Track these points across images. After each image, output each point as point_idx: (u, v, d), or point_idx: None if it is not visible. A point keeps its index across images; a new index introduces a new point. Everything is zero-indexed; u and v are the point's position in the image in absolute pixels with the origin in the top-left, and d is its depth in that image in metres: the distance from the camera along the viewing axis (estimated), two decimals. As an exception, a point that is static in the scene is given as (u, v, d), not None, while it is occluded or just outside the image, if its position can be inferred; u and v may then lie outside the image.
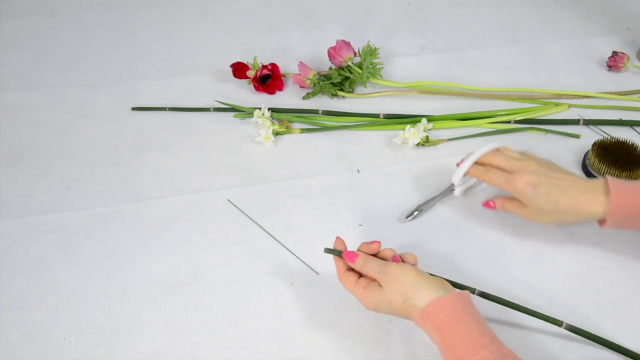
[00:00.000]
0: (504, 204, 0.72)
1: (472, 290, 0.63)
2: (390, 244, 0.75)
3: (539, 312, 0.63)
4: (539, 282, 0.71)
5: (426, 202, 0.80)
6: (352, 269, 0.63)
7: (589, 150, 0.84)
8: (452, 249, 0.75)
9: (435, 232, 0.77)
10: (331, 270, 0.72)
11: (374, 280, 0.61)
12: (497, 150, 0.72)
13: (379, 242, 0.64)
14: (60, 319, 0.68)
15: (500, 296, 0.65)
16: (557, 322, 0.63)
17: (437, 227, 0.78)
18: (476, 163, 0.72)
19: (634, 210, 0.63)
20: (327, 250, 0.65)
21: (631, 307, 0.68)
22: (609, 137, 0.85)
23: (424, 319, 0.56)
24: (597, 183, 0.66)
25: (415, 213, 0.78)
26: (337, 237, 0.65)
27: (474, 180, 0.79)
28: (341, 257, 0.64)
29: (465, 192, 0.80)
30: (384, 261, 0.61)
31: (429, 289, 0.57)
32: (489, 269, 0.72)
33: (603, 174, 0.81)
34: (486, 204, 0.73)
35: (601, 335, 0.64)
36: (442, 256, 0.74)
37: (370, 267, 0.61)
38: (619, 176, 0.80)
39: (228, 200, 0.66)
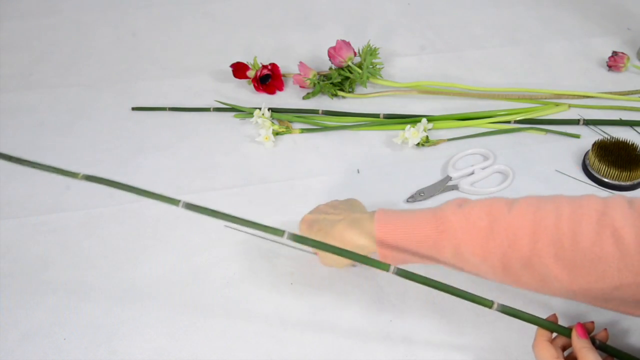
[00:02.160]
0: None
1: (490, 304, 0.55)
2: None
3: (468, 293, 0.55)
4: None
5: (427, 187, 0.82)
6: (551, 342, 0.54)
7: (589, 150, 0.84)
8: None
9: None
10: (331, 270, 0.72)
11: None
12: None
13: (593, 322, 0.57)
14: (60, 319, 0.68)
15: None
16: (487, 304, 0.54)
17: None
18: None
19: (400, 241, 0.57)
20: (540, 324, 0.54)
21: (634, 318, 0.68)
22: (609, 137, 0.85)
23: None
24: (368, 214, 0.62)
25: (416, 195, 0.81)
26: (554, 314, 0.57)
27: (471, 170, 0.83)
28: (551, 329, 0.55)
29: (464, 183, 0.82)
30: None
31: None
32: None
33: (603, 174, 0.81)
34: None
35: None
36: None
37: (593, 356, 0.51)
38: (618, 176, 0.80)
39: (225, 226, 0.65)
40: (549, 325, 0.54)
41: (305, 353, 0.65)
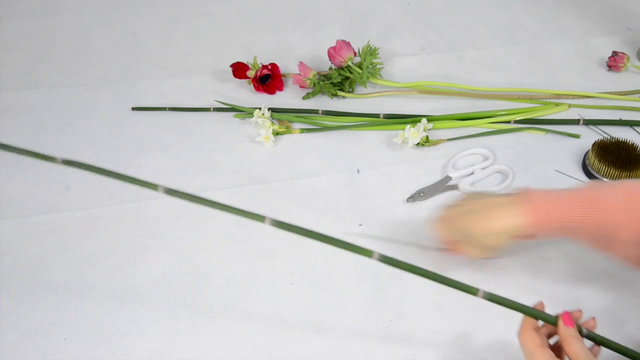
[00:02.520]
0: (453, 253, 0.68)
1: (475, 292, 0.55)
2: (389, 243, 0.76)
3: (453, 281, 0.53)
4: (538, 281, 0.71)
5: (427, 187, 0.82)
6: (537, 330, 0.53)
7: (589, 150, 0.84)
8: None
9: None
10: (331, 270, 0.72)
11: (560, 354, 0.52)
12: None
13: (581, 310, 0.55)
14: (60, 319, 0.68)
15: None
16: (472, 291, 0.52)
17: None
18: None
19: (564, 219, 0.57)
20: (526, 311, 0.53)
21: (631, 308, 0.68)
22: (609, 137, 0.85)
23: None
24: (513, 196, 0.61)
25: (416, 195, 0.81)
26: (541, 302, 0.56)
27: (471, 170, 0.83)
28: (537, 318, 0.54)
29: (464, 183, 0.82)
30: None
31: None
32: (488, 267, 0.72)
33: (603, 174, 0.81)
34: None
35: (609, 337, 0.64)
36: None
37: (578, 345, 0.50)
38: (619, 176, 0.80)
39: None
40: (535, 312, 0.53)
41: (305, 353, 0.65)
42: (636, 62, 1.05)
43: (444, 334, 0.66)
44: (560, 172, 0.85)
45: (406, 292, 0.70)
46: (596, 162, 0.81)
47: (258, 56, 1.00)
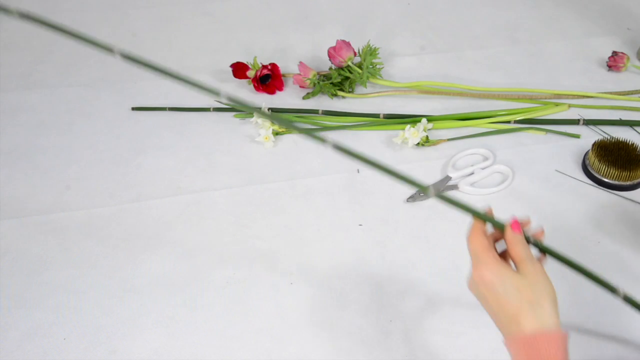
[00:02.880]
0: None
1: (426, 189, 0.55)
2: (390, 243, 0.76)
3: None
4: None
5: (427, 187, 0.81)
6: (485, 234, 0.54)
7: (589, 150, 0.84)
8: (450, 251, 0.75)
9: (433, 233, 0.77)
10: (331, 270, 0.72)
11: (506, 260, 0.54)
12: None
13: (529, 218, 0.56)
14: (60, 319, 0.68)
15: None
16: (422, 187, 0.54)
17: (435, 226, 0.78)
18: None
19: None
20: (475, 213, 0.54)
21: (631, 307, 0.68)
22: (609, 137, 0.85)
23: (534, 341, 0.48)
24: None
25: (416, 195, 0.81)
26: (490, 208, 0.56)
27: (470, 170, 0.84)
28: (485, 221, 0.54)
29: (464, 183, 0.82)
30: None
31: (555, 312, 0.50)
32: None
33: (603, 174, 0.81)
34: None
35: (601, 336, 0.64)
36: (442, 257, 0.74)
37: (522, 249, 0.52)
38: (618, 176, 0.80)
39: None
40: (485, 217, 0.54)
41: (305, 353, 0.65)
42: (636, 62, 1.05)
43: (444, 334, 0.66)
44: (560, 172, 0.85)
45: (406, 292, 0.70)
46: (596, 162, 0.81)
47: (258, 56, 1.00)
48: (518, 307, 0.49)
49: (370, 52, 0.97)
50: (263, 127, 0.89)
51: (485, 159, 0.87)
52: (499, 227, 0.54)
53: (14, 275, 0.73)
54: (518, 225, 0.53)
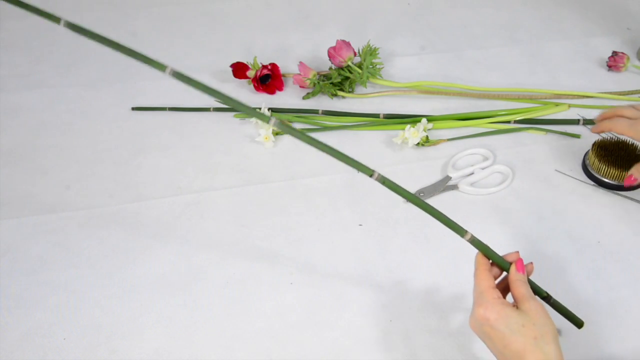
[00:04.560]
0: None
1: (370, 173, 0.59)
2: (390, 243, 0.76)
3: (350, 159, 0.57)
4: (537, 280, 0.71)
5: (427, 187, 0.82)
6: (490, 271, 0.57)
7: (589, 150, 0.84)
8: (450, 251, 0.75)
9: (433, 233, 0.77)
10: (331, 270, 0.72)
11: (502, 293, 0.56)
12: (630, 105, 0.78)
13: (532, 263, 0.59)
14: (60, 319, 0.68)
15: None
16: (367, 172, 0.58)
17: (435, 227, 0.78)
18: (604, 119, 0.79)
19: None
20: (480, 247, 0.56)
21: (631, 307, 0.68)
22: (609, 137, 0.85)
23: None
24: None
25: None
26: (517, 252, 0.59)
27: (470, 170, 0.83)
28: (493, 261, 0.57)
29: (464, 183, 0.82)
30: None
31: (558, 347, 0.51)
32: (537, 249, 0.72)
33: (603, 174, 0.81)
34: (628, 180, 0.76)
35: (600, 336, 0.64)
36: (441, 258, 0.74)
37: (525, 288, 0.55)
38: (619, 176, 0.80)
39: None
40: (492, 254, 0.57)
41: (305, 353, 0.65)
42: (636, 62, 1.05)
43: (444, 334, 0.66)
44: (560, 172, 0.85)
45: (406, 292, 0.70)
46: (596, 162, 0.81)
47: (258, 56, 1.00)
48: (524, 344, 0.51)
49: (370, 52, 0.97)
50: (263, 127, 0.89)
51: (485, 159, 0.87)
52: (504, 267, 0.57)
53: (14, 275, 0.73)
54: (522, 265, 0.57)
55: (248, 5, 1.22)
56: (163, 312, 0.69)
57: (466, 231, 0.56)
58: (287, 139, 0.91)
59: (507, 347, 0.51)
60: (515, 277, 0.56)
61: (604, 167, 0.80)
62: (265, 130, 0.89)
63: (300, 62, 0.98)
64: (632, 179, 0.76)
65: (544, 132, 0.91)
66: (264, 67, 0.98)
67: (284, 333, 0.66)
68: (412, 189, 0.82)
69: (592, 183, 0.83)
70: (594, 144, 0.83)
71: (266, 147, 0.89)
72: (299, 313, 0.68)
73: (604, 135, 0.84)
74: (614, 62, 1.02)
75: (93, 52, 1.10)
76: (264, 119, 0.52)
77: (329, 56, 0.98)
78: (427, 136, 0.88)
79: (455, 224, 0.56)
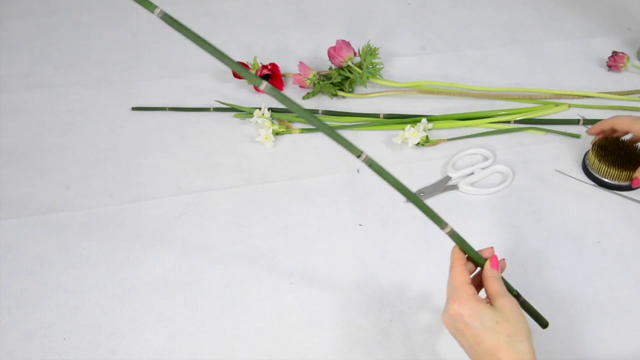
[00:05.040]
0: None
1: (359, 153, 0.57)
2: (390, 243, 0.76)
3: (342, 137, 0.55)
4: (538, 280, 0.71)
5: (427, 187, 0.82)
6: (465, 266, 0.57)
7: (589, 150, 0.84)
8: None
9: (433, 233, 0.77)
10: (331, 270, 0.72)
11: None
12: (614, 116, 0.79)
13: (504, 259, 0.58)
14: (60, 319, 0.68)
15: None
16: (356, 152, 0.56)
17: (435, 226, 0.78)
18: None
19: None
20: (458, 241, 0.56)
21: (631, 307, 0.68)
22: (609, 137, 0.85)
23: None
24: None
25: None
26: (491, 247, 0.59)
27: (471, 170, 0.84)
28: (469, 255, 0.57)
29: (464, 183, 0.82)
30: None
31: (531, 346, 0.51)
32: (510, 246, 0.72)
33: (603, 174, 0.81)
34: (636, 182, 0.77)
35: (601, 336, 0.64)
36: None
37: (499, 284, 0.55)
38: (618, 176, 0.80)
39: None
40: (469, 249, 0.56)
41: (305, 353, 0.65)
42: (636, 62, 1.05)
43: (444, 334, 0.66)
44: (560, 172, 0.85)
45: (406, 292, 0.70)
46: (596, 162, 0.81)
47: (258, 56, 1.00)
48: (497, 341, 0.50)
49: (370, 52, 0.97)
50: (263, 127, 0.89)
51: (485, 159, 0.87)
52: (479, 262, 0.57)
53: (14, 275, 0.73)
54: (497, 262, 0.56)
55: (248, 5, 1.22)
56: (163, 312, 0.69)
57: (446, 224, 0.55)
58: (287, 139, 0.91)
59: (480, 344, 0.51)
60: (490, 274, 0.56)
61: (604, 167, 0.80)
62: (265, 130, 0.89)
63: (300, 62, 0.98)
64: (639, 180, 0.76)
65: (544, 132, 0.91)
66: (264, 67, 0.98)
67: (284, 333, 0.66)
68: (412, 189, 0.81)
69: (592, 183, 0.83)
70: (593, 144, 0.83)
71: (266, 147, 0.89)
72: (299, 313, 0.68)
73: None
74: (614, 62, 1.02)
75: (93, 52, 1.11)
76: (256, 82, 0.51)
77: (329, 56, 0.98)
78: (427, 136, 0.88)
79: (436, 214, 0.55)
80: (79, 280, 0.72)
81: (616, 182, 0.81)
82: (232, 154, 0.89)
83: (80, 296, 0.70)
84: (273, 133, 0.89)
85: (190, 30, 0.50)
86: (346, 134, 0.92)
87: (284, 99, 0.51)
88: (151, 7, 0.50)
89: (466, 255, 0.57)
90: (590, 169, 0.83)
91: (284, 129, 0.91)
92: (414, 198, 0.56)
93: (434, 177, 0.84)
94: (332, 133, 0.55)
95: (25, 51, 1.10)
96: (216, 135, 0.92)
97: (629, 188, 0.81)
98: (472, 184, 0.82)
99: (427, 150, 0.89)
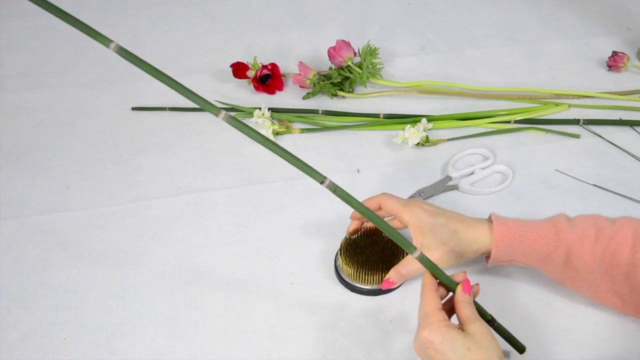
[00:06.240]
0: (400, 269, 0.64)
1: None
2: (390, 244, 0.76)
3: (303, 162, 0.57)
4: (538, 281, 0.71)
5: (427, 187, 0.82)
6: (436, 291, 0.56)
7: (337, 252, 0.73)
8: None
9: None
10: (331, 270, 0.72)
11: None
12: (384, 194, 0.68)
13: (478, 284, 0.60)
14: (60, 319, 0.68)
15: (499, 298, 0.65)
16: (318, 179, 0.57)
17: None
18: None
19: (515, 239, 0.62)
20: (428, 265, 0.56)
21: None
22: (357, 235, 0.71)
23: None
24: (480, 219, 0.65)
25: (416, 195, 0.80)
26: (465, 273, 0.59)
27: (471, 170, 0.83)
28: (440, 280, 0.57)
29: (464, 183, 0.82)
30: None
31: None
32: (488, 271, 0.72)
33: (356, 279, 0.69)
34: (385, 284, 0.64)
35: (600, 336, 0.64)
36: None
37: (471, 310, 0.55)
38: (372, 280, 0.69)
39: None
40: (440, 273, 0.56)
41: (305, 353, 0.65)
42: (636, 62, 1.05)
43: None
44: (560, 172, 0.85)
45: (406, 293, 0.70)
46: (345, 266, 0.69)
47: (258, 56, 1.00)
48: None
49: (370, 52, 0.97)
50: (263, 127, 0.89)
51: (485, 159, 0.87)
52: (451, 287, 0.57)
53: (14, 275, 0.73)
54: (469, 286, 0.56)
55: (248, 5, 1.22)
56: (163, 312, 0.69)
57: (415, 248, 0.55)
58: (287, 139, 0.91)
59: None
60: (461, 298, 0.55)
61: (353, 271, 0.68)
62: (265, 130, 0.89)
63: (300, 62, 0.98)
64: (390, 282, 0.65)
65: (544, 132, 0.91)
66: (264, 67, 0.98)
67: (284, 333, 0.66)
68: (412, 189, 0.82)
69: (592, 183, 0.83)
70: (342, 243, 0.70)
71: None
72: (299, 313, 0.68)
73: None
74: (614, 62, 1.02)
75: (93, 52, 1.10)
76: (214, 110, 0.51)
77: (329, 56, 0.98)
78: (427, 136, 0.88)
79: (405, 240, 0.54)
80: (79, 280, 0.72)
81: (370, 287, 0.69)
82: (232, 154, 0.89)
83: (80, 296, 0.70)
84: (273, 133, 0.89)
85: (146, 62, 0.53)
86: (346, 133, 0.92)
87: (244, 127, 0.51)
88: (106, 42, 0.51)
89: (437, 281, 0.57)
90: (343, 276, 0.70)
91: (284, 129, 0.91)
92: (381, 223, 0.54)
93: (434, 177, 0.84)
94: (294, 160, 0.56)
95: (25, 51, 1.10)
96: (216, 135, 0.92)
97: (379, 292, 0.69)
98: (472, 184, 0.82)
99: (427, 150, 0.89)
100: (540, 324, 0.66)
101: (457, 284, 0.57)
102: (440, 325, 0.52)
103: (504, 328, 0.61)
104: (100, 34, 0.50)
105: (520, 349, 0.62)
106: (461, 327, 0.54)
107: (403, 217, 0.65)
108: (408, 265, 0.64)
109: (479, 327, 0.53)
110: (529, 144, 0.89)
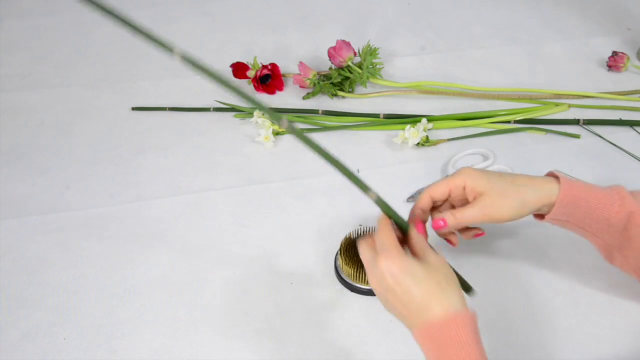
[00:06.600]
0: (456, 213, 0.61)
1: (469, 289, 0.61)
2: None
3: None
4: (537, 280, 0.71)
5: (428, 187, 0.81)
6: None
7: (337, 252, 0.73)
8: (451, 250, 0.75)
9: (433, 233, 0.77)
10: (331, 270, 0.72)
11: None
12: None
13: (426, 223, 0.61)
14: (60, 319, 0.68)
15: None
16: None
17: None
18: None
19: (580, 197, 0.60)
20: (384, 207, 0.56)
21: (630, 307, 0.68)
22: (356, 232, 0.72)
23: (447, 324, 0.50)
24: (539, 177, 0.63)
25: (416, 195, 0.80)
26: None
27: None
28: (394, 221, 0.57)
29: None
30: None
31: (461, 294, 0.52)
32: (488, 270, 0.72)
33: (355, 279, 0.69)
34: (436, 223, 0.62)
35: (600, 336, 0.64)
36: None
37: (424, 243, 0.55)
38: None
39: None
40: (393, 214, 0.57)
41: (305, 353, 0.65)
42: (636, 62, 1.05)
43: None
44: (560, 172, 0.84)
45: (406, 292, 0.70)
46: (345, 266, 0.69)
47: (258, 56, 1.00)
48: (429, 292, 0.51)
49: (370, 52, 0.97)
50: (263, 127, 0.89)
51: (485, 159, 0.87)
52: (404, 226, 0.57)
53: (14, 275, 0.73)
54: (423, 227, 0.58)
55: (248, 5, 1.22)
56: (163, 312, 0.69)
57: (370, 189, 0.55)
58: (287, 139, 0.91)
59: (411, 298, 0.51)
60: (416, 235, 0.56)
61: (353, 271, 0.68)
62: (265, 130, 0.89)
63: (300, 62, 0.98)
64: (443, 222, 0.62)
65: (544, 132, 0.91)
66: (264, 67, 0.98)
67: (284, 333, 0.66)
68: (412, 189, 0.82)
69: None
70: (342, 243, 0.70)
71: (266, 147, 0.89)
72: (299, 313, 0.68)
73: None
74: (614, 62, 1.02)
75: (93, 52, 1.11)
76: (276, 117, 0.51)
77: (329, 56, 0.98)
78: (427, 136, 0.88)
79: (360, 180, 0.55)
80: (79, 280, 0.72)
81: (368, 287, 0.69)
82: (232, 154, 0.89)
83: (80, 296, 0.70)
84: (273, 133, 0.89)
85: (211, 71, 0.50)
86: (346, 133, 0.92)
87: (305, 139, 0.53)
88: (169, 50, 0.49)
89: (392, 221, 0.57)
90: (342, 275, 0.70)
91: (284, 129, 0.91)
92: (333, 160, 0.54)
93: (434, 177, 0.84)
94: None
95: (25, 51, 1.11)
96: (216, 135, 0.92)
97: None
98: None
99: (427, 150, 0.89)
100: (540, 324, 0.66)
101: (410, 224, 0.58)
102: (399, 253, 0.52)
103: (453, 268, 0.58)
104: (162, 42, 0.50)
105: (468, 289, 0.62)
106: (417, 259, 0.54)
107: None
108: (465, 210, 0.61)
109: (434, 256, 0.53)
110: (529, 144, 0.89)
